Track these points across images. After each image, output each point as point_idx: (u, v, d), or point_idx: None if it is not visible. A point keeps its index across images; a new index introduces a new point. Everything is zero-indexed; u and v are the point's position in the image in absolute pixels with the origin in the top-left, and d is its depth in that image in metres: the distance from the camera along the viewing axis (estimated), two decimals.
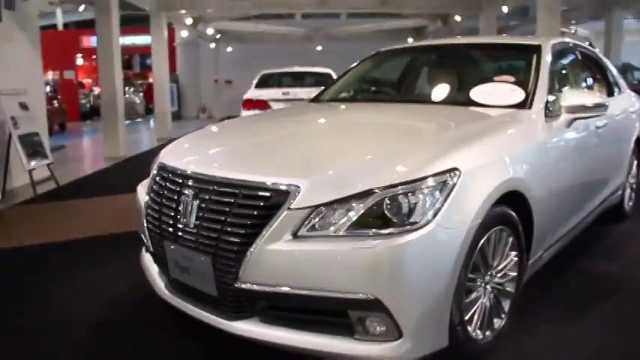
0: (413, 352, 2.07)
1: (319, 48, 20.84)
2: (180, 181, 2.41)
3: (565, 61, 3.93)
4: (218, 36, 19.74)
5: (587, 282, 3.40)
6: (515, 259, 2.57)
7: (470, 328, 2.33)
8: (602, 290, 3.27)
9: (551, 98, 3.02)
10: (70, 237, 4.65)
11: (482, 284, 2.41)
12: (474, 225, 2.15)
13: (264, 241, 2.05)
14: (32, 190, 6.31)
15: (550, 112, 2.98)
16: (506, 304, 2.57)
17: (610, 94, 4.52)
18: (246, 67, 15.83)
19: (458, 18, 14.24)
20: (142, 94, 23.37)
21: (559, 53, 3.61)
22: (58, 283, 3.58)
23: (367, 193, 2.04)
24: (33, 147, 6.64)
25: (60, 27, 23.76)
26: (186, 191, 2.34)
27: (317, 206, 2.04)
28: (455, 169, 2.15)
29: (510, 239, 2.50)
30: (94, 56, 24.62)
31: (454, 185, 2.11)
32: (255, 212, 2.10)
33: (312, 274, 2.01)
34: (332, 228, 2.02)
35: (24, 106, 6.69)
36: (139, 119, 21.04)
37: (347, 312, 2.03)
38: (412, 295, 2.02)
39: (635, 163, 4.90)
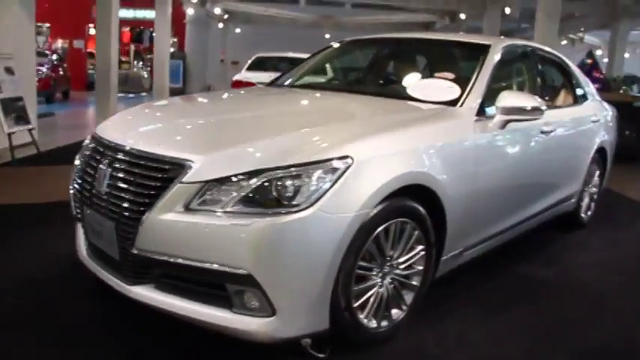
0: (286, 331, 2.17)
1: (327, 36, 20.81)
2: (101, 149, 2.53)
3: (518, 64, 3.96)
4: (226, 16, 19.76)
5: (515, 285, 3.46)
6: (423, 253, 2.63)
7: (361, 315, 2.41)
8: (526, 294, 3.32)
9: (481, 99, 3.06)
10: (34, 200, 4.77)
11: (380, 274, 2.47)
12: (362, 213, 2.21)
13: (157, 211, 2.16)
14: (10, 154, 6.42)
15: (484, 112, 3.03)
16: (408, 297, 2.64)
17: (575, 101, 4.56)
18: (254, 50, 15.79)
19: (463, 16, 14.20)
20: (149, 69, 23.45)
21: (511, 55, 3.64)
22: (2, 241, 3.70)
23: (256, 173, 2.12)
24: (16, 111, 6.74)
25: None
26: (103, 159, 2.45)
27: (208, 182, 2.13)
28: (347, 157, 2.21)
29: (416, 232, 2.56)
30: None
31: (343, 172, 2.18)
32: (153, 183, 2.21)
33: (196, 246, 2.11)
34: (220, 204, 2.11)
35: (9, 71, 6.78)
36: (144, 93, 21.14)
37: (225, 285, 2.13)
38: (287, 275, 2.11)
39: (597, 172, 4.93)
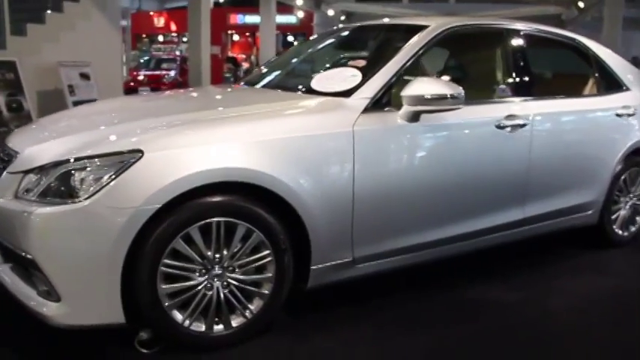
0: (76, 318, 2.21)
1: None
2: None
3: (481, 49, 3.50)
4: (342, 17, 19.94)
5: (456, 307, 2.98)
6: (270, 258, 2.46)
7: (179, 316, 2.33)
8: (461, 317, 2.87)
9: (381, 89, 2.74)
10: None
11: (204, 275, 2.36)
12: (146, 209, 2.15)
13: None
14: None
15: (384, 102, 2.73)
16: (256, 305, 2.47)
17: (598, 91, 3.86)
18: None
19: (581, 4, 12.87)
20: None
21: (460, 39, 3.25)
22: None
23: (49, 166, 2.24)
24: None
25: (210, 5, 25.56)
26: None
27: (23, 172, 2.29)
28: (137, 150, 2.19)
29: (254, 235, 2.39)
30: (247, 33, 26.44)
31: (129, 166, 2.16)
32: None
33: (6, 230, 2.28)
34: (31, 193, 2.24)
35: (85, 76, 7.53)
36: None
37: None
38: (68, 263, 2.15)
39: None
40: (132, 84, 16.15)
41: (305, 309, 2.84)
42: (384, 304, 2.96)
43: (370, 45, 3.59)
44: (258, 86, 3.44)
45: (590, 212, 3.72)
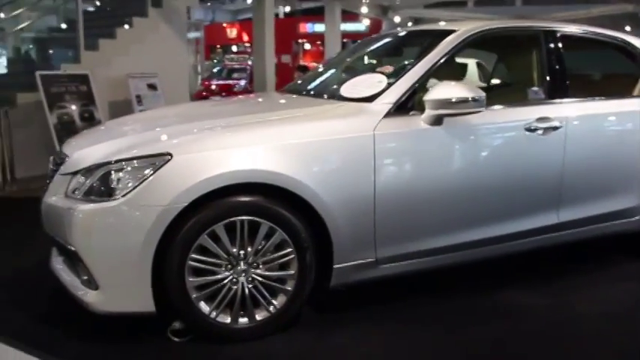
0: (111, 305, 2.45)
1: None
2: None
3: (513, 51, 3.47)
4: (410, 23, 19.81)
5: (481, 310, 2.98)
6: (292, 256, 2.58)
7: (206, 308, 2.50)
8: (484, 319, 2.88)
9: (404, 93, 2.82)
10: None
11: (230, 271, 2.51)
12: (173, 207, 2.34)
13: (47, 195, 2.69)
14: None
15: (409, 107, 2.80)
16: (280, 300, 2.60)
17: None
18: None
19: None
20: None
21: (488, 42, 3.30)
22: None
23: (92, 168, 2.50)
24: None
25: (281, 15, 26.16)
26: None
27: (72, 173, 2.59)
28: (166, 154, 2.40)
29: (277, 234, 2.52)
30: (318, 42, 26.83)
31: (159, 168, 2.37)
32: (52, 175, 2.77)
33: (56, 225, 2.57)
34: (77, 191, 2.51)
35: (152, 87, 7.96)
36: None
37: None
38: (105, 255, 2.39)
39: None
40: (204, 93, 16.76)
41: (330, 307, 2.95)
42: (407, 304, 3.02)
43: (402, 51, 3.66)
44: (295, 94, 3.57)
45: (636, 218, 3.57)
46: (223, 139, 2.56)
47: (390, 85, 2.86)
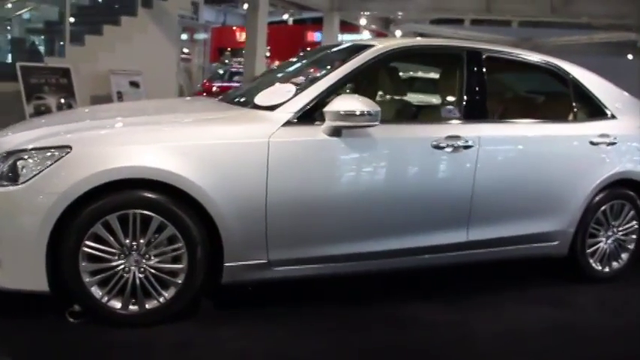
0: (7, 282, 2.63)
1: None
2: None
3: (430, 68, 3.63)
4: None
5: (377, 320, 3.09)
6: (183, 250, 2.74)
7: (99, 292, 2.70)
8: (377, 331, 2.99)
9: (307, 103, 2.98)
10: None
11: (124, 260, 2.70)
12: (69, 195, 2.54)
13: None
14: None
15: (315, 117, 2.95)
16: (169, 292, 2.78)
17: (575, 117, 3.78)
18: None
19: None
20: None
21: (405, 59, 3.47)
22: None
23: (8, 154, 2.67)
24: None
25: (290, 22, 26.43)
26: None
27: None
28: (66, 146, 2.61)
29: (168, 227, 2.70)
30: None
31: (58, 159, 2.58)
32: None
33: None
34: None
35: (134, 84, 8.20)
36: None
37: None
38: (6, 235, 2.58)
39: (631, 213, 3.82)
40: (204, 94, 17.01)
41: (232, 305, 3.13)
42: (310, 308, 3.16)
43: (325, 63, 3.78)
44: (225, 101, 3.71)
45: (556, 243, 3.62)
46: (123, 136, 2.78)
47: (292, 95, 3.03)
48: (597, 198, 3.69)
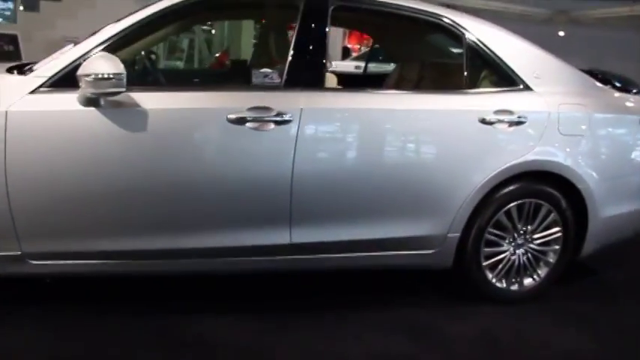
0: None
1: (561, 33, 18.06)
2: None
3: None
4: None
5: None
6: None
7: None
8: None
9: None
10: None
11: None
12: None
13: None
14: None
15: (72, 84, 2.34)
16: None
17: (468, 86, 2.89)
18: None
19: None
20: None
21: (209, 13, 3.07)
22: None
23: None
24: None
25: None
26: None
27: None
28: None
29: None
30: None
31: None
32: None
33: None
34: None
35: None
36: None
37: None
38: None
39: (549, 218, 2.94)
40: None
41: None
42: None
43: None
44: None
45: (432, 251, 2.83)
46: None
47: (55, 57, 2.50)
48: (496, 195, 2.83)
